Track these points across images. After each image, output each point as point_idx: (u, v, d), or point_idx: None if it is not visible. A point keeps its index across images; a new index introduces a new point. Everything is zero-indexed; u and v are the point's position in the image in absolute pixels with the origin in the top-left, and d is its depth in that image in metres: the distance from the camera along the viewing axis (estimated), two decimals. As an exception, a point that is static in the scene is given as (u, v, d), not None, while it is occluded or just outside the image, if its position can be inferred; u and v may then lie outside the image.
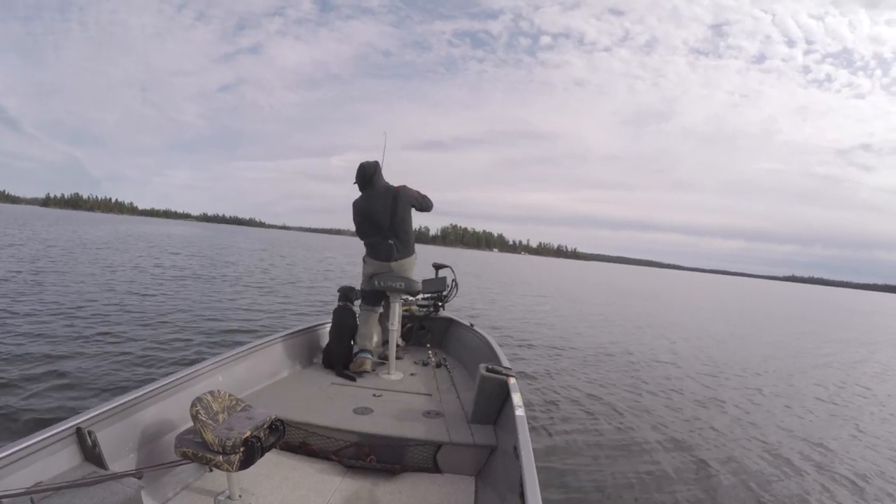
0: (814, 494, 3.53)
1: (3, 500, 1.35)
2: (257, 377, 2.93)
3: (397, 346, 3.50)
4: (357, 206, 3.38)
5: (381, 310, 3.59)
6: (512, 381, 2.44)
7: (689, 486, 3.46)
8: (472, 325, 4.03)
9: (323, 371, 3.34)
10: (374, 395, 2.91)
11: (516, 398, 2.24)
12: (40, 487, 1.40)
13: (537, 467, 1.62)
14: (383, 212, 3.31)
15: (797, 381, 7.58)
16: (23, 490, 1.37)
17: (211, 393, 1.92)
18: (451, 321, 4.39)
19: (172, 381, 2.17)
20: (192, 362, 2.50)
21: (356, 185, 3.37)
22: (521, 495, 1.48)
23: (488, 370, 2.49)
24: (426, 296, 4.42)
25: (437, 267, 4.55)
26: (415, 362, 3.75)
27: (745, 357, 9.31)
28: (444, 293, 4.45)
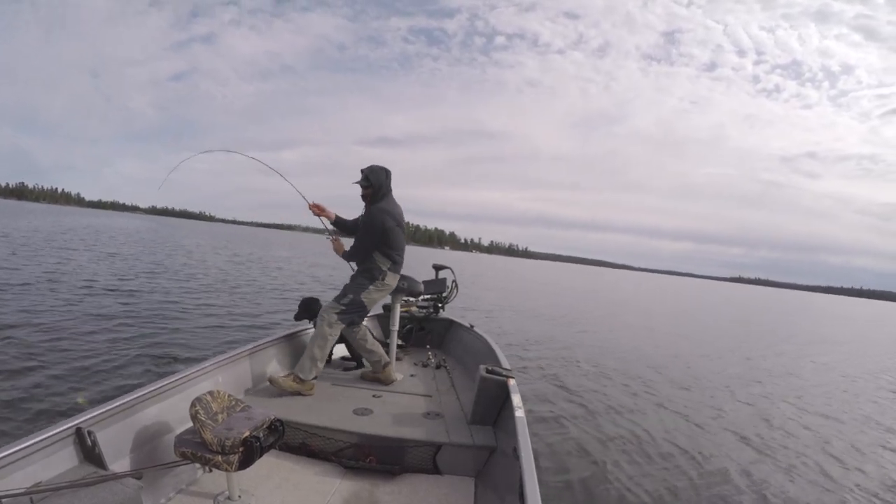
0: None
1: (3, 500, 1.34)
2: (257, 377, 2.93)
3: (397, 346, 3.49)
4: (389, 212, 2.97)
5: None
6: (512, 382, 2.44)
7: (689, 484, 3.45)
8: (471, 326, 4.03)
9: (323, 371, 3.34)
10: (373, 395, 2.91)
11: (516, 399, 2.24)
12: (40, 488, 1.41)
13: (537, 469, 1.62)
14: (403, 224, 3.11)
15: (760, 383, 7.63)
16: (23, 490, 1.37)
17: (210, 393, 1.92)
18: (450, 322, 4.38)
19: (172, 382, 2.17)
20: (192, 363, 2.50)
21: (366, 189, 2.98)
22: (521, 496, 1.48)
23: (488, 371, 2.49)
24: (426, 297, 4.42)
25: (437, 268, 4.56)
26: (415, 363, 3.75)
27: (736, 365, 9.34)
28: (444, 294, 4.45)
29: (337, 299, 2.98)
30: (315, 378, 2.90)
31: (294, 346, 3.34)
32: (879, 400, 7.25)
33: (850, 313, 43.68)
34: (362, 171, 3.00)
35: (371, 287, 3.01)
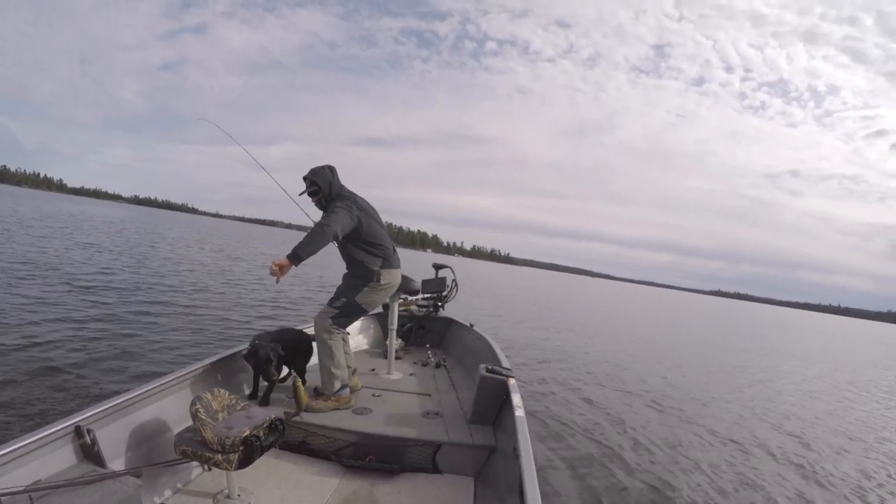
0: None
1: (2, 498, 1.34)
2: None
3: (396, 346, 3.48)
4: (358, 202, 2.74)
5: None
6: (512, 381, 2.43)
7: (685, 484, 3.46)
8: (471, 325, 4.03)
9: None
10: (373, 395, 2.90)
11: (516, 399, 2.24)
12: (39, 486, 1.40)
13: (537, 468, 1.62)
14: (378, 216, 2.88)
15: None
16: (21, 488, 1.37)
17: (211, 392, 1.92)
18: (450, 321, 4.38)
19: (172, 380, 2.16)
20: (192, 361, 2.49)
21: (316, 196, 2.71)
22: (521, 496, 1.47)
23: (488, 371, 2.48)
24: (426, 296, 4.41)
25: (437, 267, 4.55)
26: (414, 362, 3.75)
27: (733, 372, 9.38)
28: (444, 293, 4.44)
29: (330, 302, 2.78)
30: (345, 388, 2.71)
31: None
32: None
33: (828, 330, 43.99)
34: (304, 178, 2.72)
35: (366, 289, 2.79)
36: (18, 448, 1.48)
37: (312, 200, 2.77)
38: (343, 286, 2.84)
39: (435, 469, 2.24)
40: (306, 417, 2.42)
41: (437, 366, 3.65)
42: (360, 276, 2.81)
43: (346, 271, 2.90)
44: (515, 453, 1.75)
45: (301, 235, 2.52)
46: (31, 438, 1.52)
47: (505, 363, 2.85)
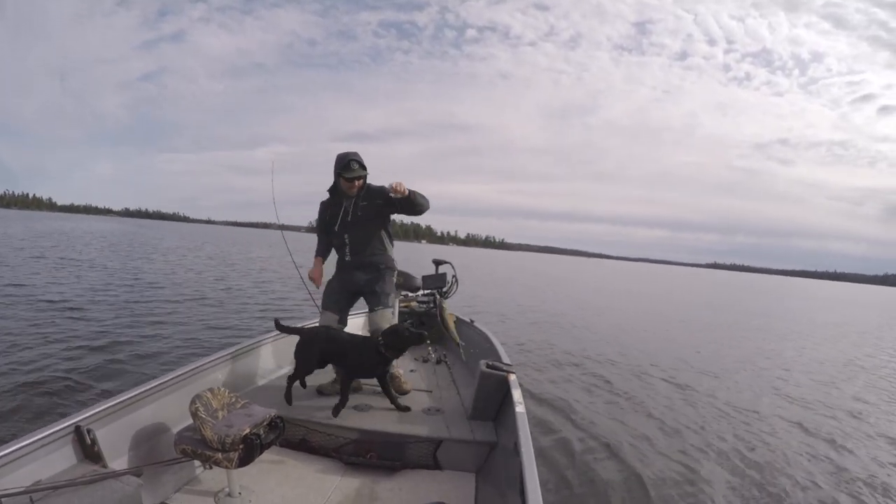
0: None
1: (3, 498, 1.34)
2: (257, 374, 2.93)
3: None
4: None
5: None
6: (512, 377, 2.43)
7: (686, 485, 3.46)
8: (472, 321, 4.03)
9: (324, 369, 3.32)
10: (374, 391, 2.90)
11: (517, 395, 2.24)
12: (39, 486, 1.40)
13: (538, 464, 1.62)
14: None
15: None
16: (22, 489, 1.37)
17: (210, 390, 1.92)
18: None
19: (172, 379, 2.16)
20: (191, 360, 2.49)
21: (362, 178, 2.76)
22: (522, 492, 1.47)
23: (489, 366, 2.49)
24: (426, 292, 4.41)
25: (438, 263, 4.54)
26: (415, 359, 3.75)
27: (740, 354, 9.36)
28: (444, 289, 4.44)
29: (384, 304, 2.84)
30: None
31: (294, 342, 3.33)
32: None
33: (833, 296, 44.40)
34: (354, 160, 2.70)
35: (392, 278, 2.91)
36: (19, 448, 1.48)
37: (356, 184, 2.72)
38: (384, 282, 2.87)
39: (436, 465, 2.25)
40: (306, 415, 2.42)
41: (438, 362, 3.65)
42: (386, 266, 2.89)
43: (361, 262, 2.85)
44: (516, 449, 1.75)
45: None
46: (31, 439, 1.53)
47: (505, 359, 2.85)
